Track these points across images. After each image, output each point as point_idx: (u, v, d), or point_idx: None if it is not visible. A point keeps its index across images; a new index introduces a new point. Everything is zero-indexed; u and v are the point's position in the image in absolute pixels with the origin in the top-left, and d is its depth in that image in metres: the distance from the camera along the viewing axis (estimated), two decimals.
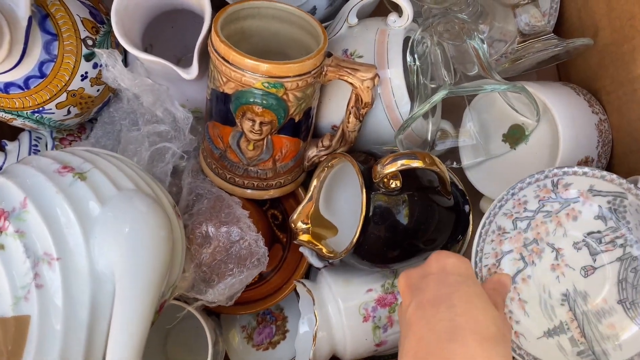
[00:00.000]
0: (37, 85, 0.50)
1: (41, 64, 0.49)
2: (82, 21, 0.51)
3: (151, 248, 0.40)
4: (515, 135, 0.56)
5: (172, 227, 0.44)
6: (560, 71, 0.65)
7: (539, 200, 0.47)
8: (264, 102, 0.47)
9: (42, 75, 0.50)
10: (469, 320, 0.32)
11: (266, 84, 0.46)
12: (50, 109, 0.52)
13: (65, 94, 0.52)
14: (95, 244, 0.39)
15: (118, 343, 0.34)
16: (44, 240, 0.38)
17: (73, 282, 0.38)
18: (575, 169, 0.46)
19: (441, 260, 0.37)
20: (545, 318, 0.46)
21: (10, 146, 0.59)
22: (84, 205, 0.40)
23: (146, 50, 0.54)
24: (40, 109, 0.52)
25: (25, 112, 0.52)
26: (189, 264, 0.50)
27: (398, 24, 0.54)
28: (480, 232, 0.47)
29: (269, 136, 0.51)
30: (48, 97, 0.51)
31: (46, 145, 0.60)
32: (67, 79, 0.51)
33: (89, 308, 0.38)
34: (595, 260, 0.47)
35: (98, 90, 0.55)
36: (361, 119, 0.53)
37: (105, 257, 0.39)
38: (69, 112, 0.54)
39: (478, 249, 0.47)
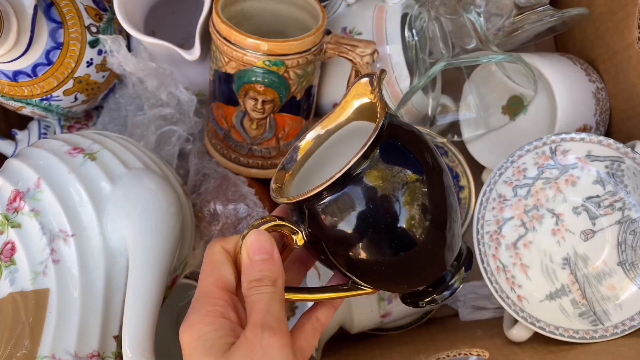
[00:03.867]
0: (45, 72, 0.51)
1: (48, 52, 0.50)
2: (85, 9, 0.53)
3: (161, 224, 0.41)
4: (514, 107, 0.57)
5: (181, 204, 0.45)
6: (558, 43, 0.66)
7: (538, 167, 0.48)
8: (266, 80, 0.48)
9: (49, 63, 0.51)
10: None
11: (267, 62, 0.47)
12: (58, 95, 0.53)
13: (72, 81, 0.53)
14: (107, 221, 0.41)
15: (133, 311, 0.36)
16: (58, 218, 0.40)
17: (88, 256, 0.39)
18: (573, 135, 0.47)
19: (181, 340, 0.30)
20: (547, 281, 0.48)
21: (20, 135, 0.60)
22: (95, 184, 0.41)
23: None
24: (49, 96, 0.53)
25: (34, 99, 0.53)
26: (198, 242, 0.52)
27: (395, 1, 0.55)
28: (482, 200, 0.48)
29: (272, 115, 0.52)
30: (55, 84, 0.52)
31: (54, 133, 0.61)
32: (73, 65, 0.52)
33: (104, 280, 0.39)
34: (594, 224, 0.48)
35: (103, 77, 0.56)
36: None
37: (118, 234, 0.40)
38: (76, 98, 0.55)
39: (479, 216, 0.48)
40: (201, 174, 0.54)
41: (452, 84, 0.60)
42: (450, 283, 0.34)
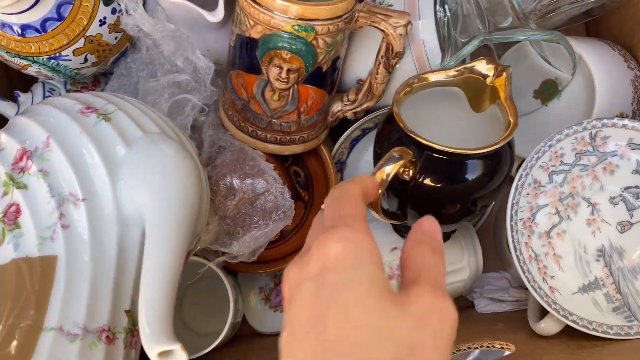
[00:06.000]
0: (55, 28, 0.48)
1: (59, 6, 0.47)
2: None
3: (181, 193, 0.38)
4: (547, 91, 0.54)
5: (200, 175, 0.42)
6: (590, 29, 0.63)
7: (576, 154, 0.46)
8: (293, 47, 0.45)
9: (60, 18, 0.47)
10: (342, 352, 0.21)
11: (296, 27, 0.44)
12: (67, 55, 0.50)
13: (82, 40, 0.49)
14: (121, 186, 0.38)
15: (152, 286, 0.33)
16: (68, 180, 0.37)
17: (100, 223, 0.36)
18: (615, 120, 0.45)
19: (323, 253, 0.24)
20: (580, 273, 0.45)
21: (23, 97, 0.57)
22: (109, 147, 0.38)
23: None
24: (57, 54, 0.49)
25: (41, 57, 0.50)
26: (212, 217, 0.49)
27: None
28: (517, 185, 0.45)
29: (295, 85, 0.49)
30: (65, 42, 0.49)
31: None
32: (85, 23, 0.49)
33: (116, 249, 0.36)
34: (632, 215, 0.45)
35: (116, 38, 0.52)
36: (391, 70, 0.51)
37: (133, 201, 0.37)
38: (85, 59, 0.51)
39: (514, 202, 0.45)
40: (217, 146, 0.51)
41: None
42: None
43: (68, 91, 0.57)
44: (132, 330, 0.36)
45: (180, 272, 0.35)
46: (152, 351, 0.30)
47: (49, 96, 0.57)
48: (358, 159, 0.61)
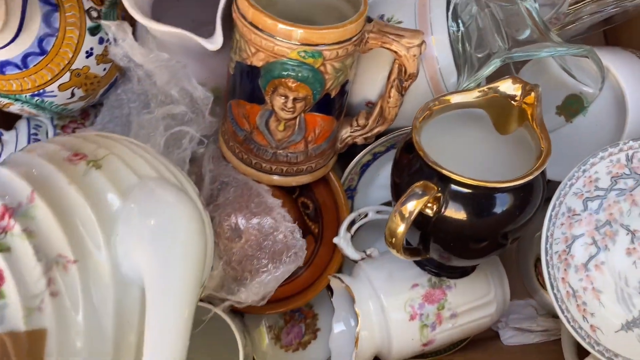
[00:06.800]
0: (37, 63, 0.44)
1: (41, 39, 0.43)
2: None
3: (183, 244, 0.34)
4: (571, 107, 0.50)
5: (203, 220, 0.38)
6: (608, 37, 0.60)
7: (612, 177, 0.42)
8: (299, 74, 0.42)
9: (43, 52, 0.44)
10: None
11: (302, 54, 0.40)
12: (52, 91, 0.46)
13: (68, 74, 0.46)
14: (117, 242, 0.34)
15: (157, 357, 0.29)
16: (57, 240, 0.33)
17: (94, 287, 0.32)
18: None
19: None
20: (622, 309, 0.41)
21: (7, 136, 0.53)
22: (101, 198, 0.34)
23: None
24: (41, 91, 0.46)
25: (24, 95, 0.46)
26: (217, 261, 0.45)
27: None
28: (550, 215, 0.42)
29: (302, 114, 0.45)
30: (49, 78, 0.45)
31: (47, 134, 0.54)
32: (71, 56, 0.45)
33: (114, 317, 0.32)
34: None
35: (104, 69, 0.48)
36: (404, 92, 0.47)
37: (130, 258, 0.33)
38: (72, 94, 0.48)
39: (548, 234, 0.41)
40: (219, 182, 0.47)
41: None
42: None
43: (55, 126, 0.53)
44: None
45: (189, 335, 0.31)
46: None
47: (35, 133, 0.53)
48: (369, 184, 0.58)
